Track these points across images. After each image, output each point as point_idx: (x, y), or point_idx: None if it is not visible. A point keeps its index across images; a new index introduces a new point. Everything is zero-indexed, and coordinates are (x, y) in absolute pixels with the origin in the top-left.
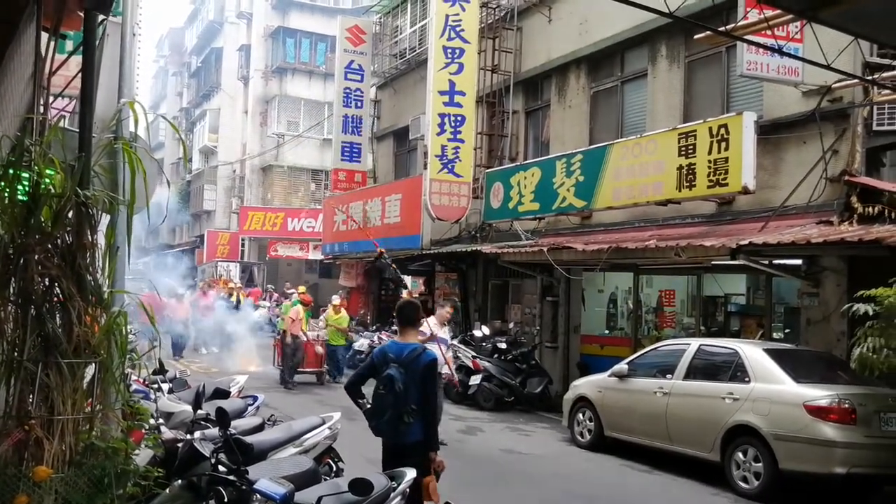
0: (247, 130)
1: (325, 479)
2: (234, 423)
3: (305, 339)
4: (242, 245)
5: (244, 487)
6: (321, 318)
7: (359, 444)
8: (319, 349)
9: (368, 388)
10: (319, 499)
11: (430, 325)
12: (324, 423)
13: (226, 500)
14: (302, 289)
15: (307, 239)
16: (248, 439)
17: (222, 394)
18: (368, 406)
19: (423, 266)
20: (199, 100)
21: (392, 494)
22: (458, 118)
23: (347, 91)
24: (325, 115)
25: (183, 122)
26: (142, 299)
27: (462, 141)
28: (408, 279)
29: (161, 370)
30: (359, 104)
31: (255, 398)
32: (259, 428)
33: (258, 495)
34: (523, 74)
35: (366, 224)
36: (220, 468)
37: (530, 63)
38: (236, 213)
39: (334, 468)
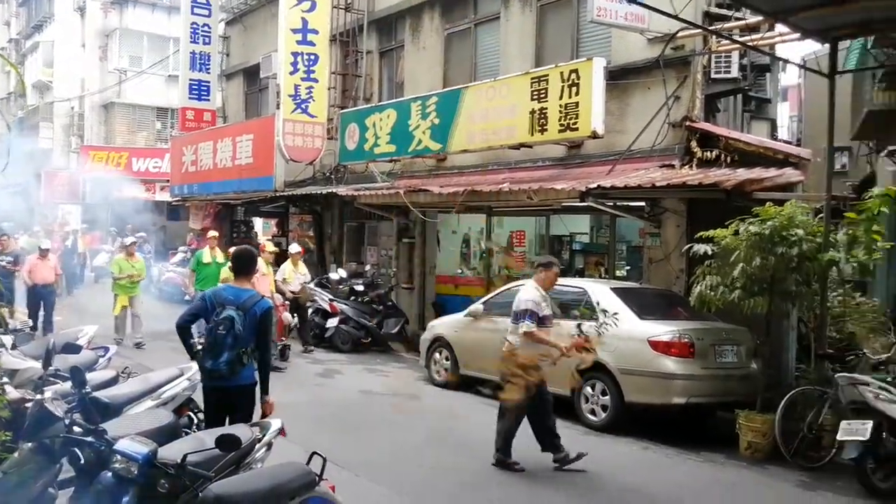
0: (85, 65)
1: (186, 433)
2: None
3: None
4: (84, 186)
5: (103, 448)
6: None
7: None
8: (288, 316)
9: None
10: (184, 456)
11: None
12: (182, 373)
13: (82, 461)
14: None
15: (154, 180)
16: (103, 394)
17: (73, 348)
18: (199, 348)
19: (277, 208)
20: (30, 31)
21: (257, 446)
22: (312, 57)
23: (194, 26)
24: (171, 51)
25: (13, 55)
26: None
27: (316, 80)
28: (259, 221)
29: (2, 324)
30: (206, 40)
31: (106, 349)
32: (113, 381)
33: (119, 456)
34: (377, 14)
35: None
36: (76, 429)
37: (384, 2)
38: (76, 152)
39: (195, 420)
